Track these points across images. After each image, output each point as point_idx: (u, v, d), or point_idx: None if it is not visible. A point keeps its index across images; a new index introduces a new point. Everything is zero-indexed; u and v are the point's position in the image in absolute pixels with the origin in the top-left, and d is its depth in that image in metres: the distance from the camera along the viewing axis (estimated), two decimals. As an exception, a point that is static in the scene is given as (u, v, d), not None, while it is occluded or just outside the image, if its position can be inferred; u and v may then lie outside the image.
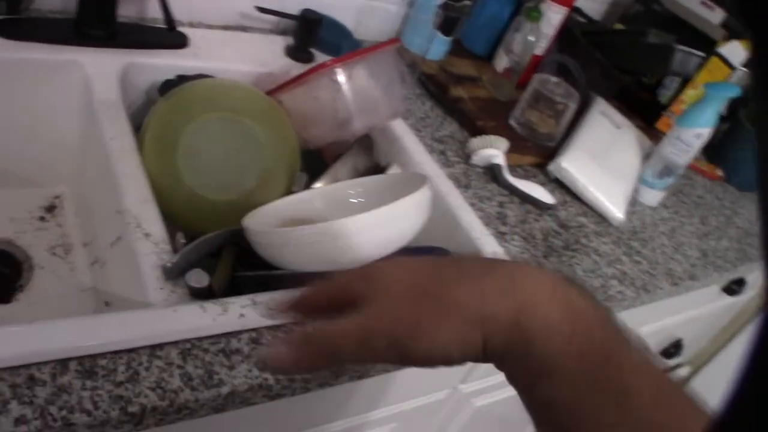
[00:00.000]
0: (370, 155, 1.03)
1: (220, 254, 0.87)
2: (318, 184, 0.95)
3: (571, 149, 1.24)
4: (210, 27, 1.17)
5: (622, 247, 1.17)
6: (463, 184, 1.10)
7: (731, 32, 1.51)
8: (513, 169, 1.21)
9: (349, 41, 1.24)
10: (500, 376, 0.45)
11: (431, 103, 1.29)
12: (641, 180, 1.34)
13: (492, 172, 1.15)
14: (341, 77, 0.95)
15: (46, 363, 0.60)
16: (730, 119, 1.64)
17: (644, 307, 1.15)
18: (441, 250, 0.95)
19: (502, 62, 1.34)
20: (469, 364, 0.72)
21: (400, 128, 1.14)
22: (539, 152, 1.26)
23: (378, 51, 1.00)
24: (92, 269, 0.92)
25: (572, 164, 1.21)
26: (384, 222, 0.76)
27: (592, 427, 0.40)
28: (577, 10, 1.63)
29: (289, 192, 0.94)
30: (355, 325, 0.43)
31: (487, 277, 0.43)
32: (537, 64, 1.43)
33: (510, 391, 0.45)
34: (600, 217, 1.22)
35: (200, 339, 0.68)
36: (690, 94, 1.55)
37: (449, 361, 0.43)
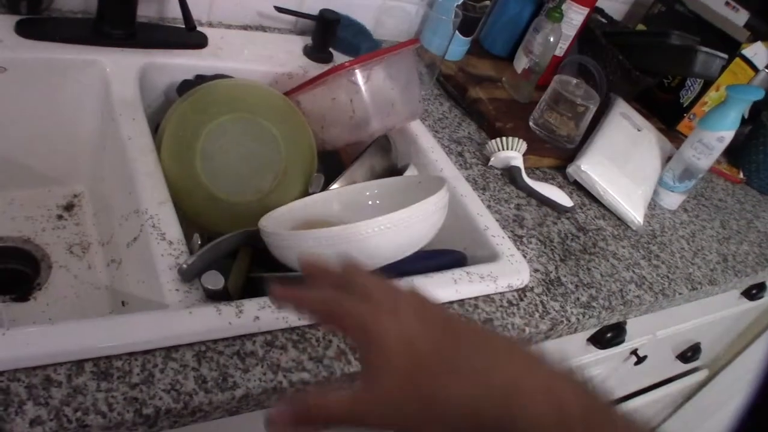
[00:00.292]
0: (387, 156, 1.03)
1: (236, 255, 0.87)
2: (335, 186, 0.95)
3: (590, 151, 1.23)
4: (229, 27, 1.18)
5: (640, 250, 1.16)
6: (480, 186, 1.10)
7: (756, 33, 1.49)
8: (531, 171, 1.20)
9: (368, 41, 1.24)
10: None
11: (450, 103, 1.29)
12: (661, 183, 1.33)
13: (510, 174, 1.14)
14: (359, 78, 0.95)
15: (62, 364, 0.60)
16: (752, 121, 1.62)
17: (662, 311, 1.14)
18: (457, 254, 0.95)
19: (521, 63, 1.33)
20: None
21: (418, 129, 1.13)
22: (558, 154, 1.26)
23: (397, 52, 1.00)
24: (109, 269, 0.93)
25: (591, 167, 1.20)
26: (400, 226, 0.75)
27: None
28: (598, 11, 1.62)
29: (305, 193, 0.94)
30: (349, 404, 0.47)
31: (485, 373, 0.46)
32: (557, 65, 1.42)
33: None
34: (619, 220, 1.21)
35: (215, 341, 0.68)
36: (712, 96, 1.53)
37: None
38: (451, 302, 0.86)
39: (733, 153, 1.61)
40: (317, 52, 1.17)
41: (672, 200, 1.34)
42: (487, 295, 0.90)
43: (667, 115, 1.59)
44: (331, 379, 0.71)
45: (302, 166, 0.94)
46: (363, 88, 0.95)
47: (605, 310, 0.99)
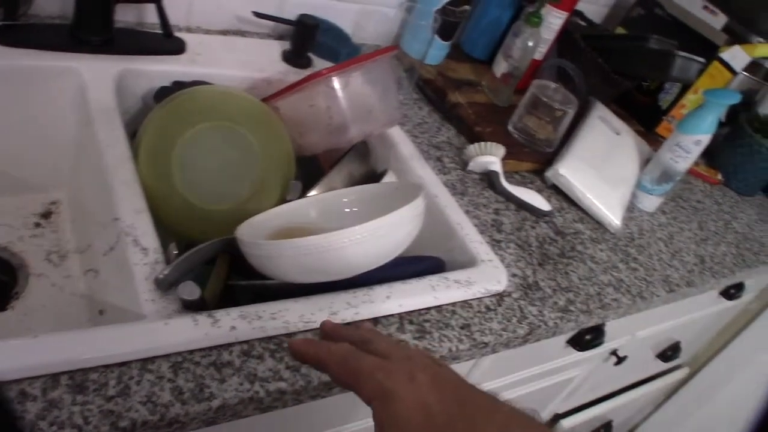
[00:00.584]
0: (366, 162, 1.03)
1: (215, 262, 0.87)
2: (313, 192, 0.95)
3: (568, 155, 1.24)
4: (208, 32, 1.18)
5: (618, 254, 1.17)
6: (459, 191, 1.11)
7: (733, 37, 1.51)
8: (510, 175, 1.21)
9: (348, 46, 1.24)
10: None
11: (429, 108, 1.29)
12: (639, 186, 1.34)
13: (488, 178, 1.15)
14: (337, 85, 0.95)
15: (37, 378, 0.60)
16: (730, 123, 1.64)
17: (641, 312, 1.15)
18: (435, 260, 0.95)
19: (500, 67, 1.34)
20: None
21: (397, 135, 1.14)
22: (537, 158, 1.26)
23: (376, 58, 1.00)
24: (87, 277, 0.92)
25: (570, 171, 1.21)
26: (376, 234, 0.76)
27: None
28: (578, 14, 1.63)
29: (283, 201, 0.94)
30: None
31: None
32: (536, 69, 1.43)
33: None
34: (597, 223, 1.22)
35: (191, 352, 0.68)
36: (691, 98, 1.54)
37: None
38: (429, 308, 0.87)
39: (712, 154, 1.63)
40: (296, 57, 1.18)
41: (650, 203, 1.35)
42: (465, 301, 0.91)
43: (646, 118, 1.61)
44: (308, 389, 0.71)
45: (280, 173, 0.94)
46: (341, 94, 0.95)
47: (583, 314, 1.00)
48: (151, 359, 0.66)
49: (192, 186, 0.88)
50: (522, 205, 1.14)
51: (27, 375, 0.60)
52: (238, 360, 0.70)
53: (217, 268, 0.87)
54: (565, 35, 1.43)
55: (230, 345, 0.71)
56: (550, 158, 1.26)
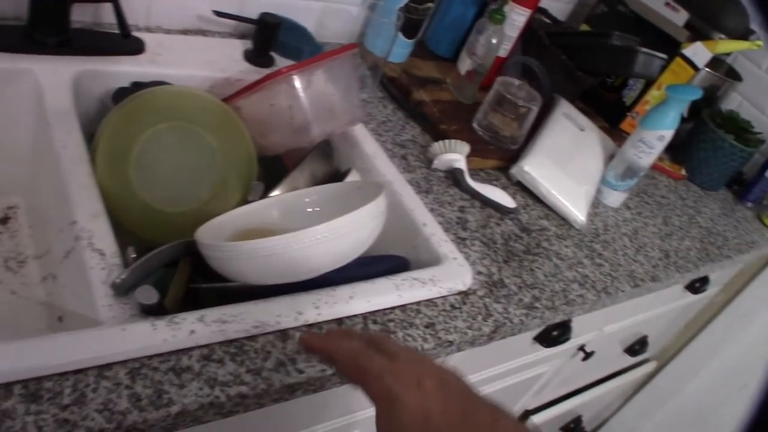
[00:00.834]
0: (329, 161, 1.02)
1: (178, 265, 0.86)
2: (276, 192, 0.94)
3: (533, 152, 1.24)
4: (168, 32, 1.16)
5: (584, 249, 1.18)
6: (423, 189, 1.10)
7: (695, 33, 1.52)
8: (475, 173, 1.21)
9: (310, 44, 1.23)
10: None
11: (393, 106, 1.29)
12: (604, 181, 1.35)
13: (453, 176, 1.15)
14: (297, 84, 0.94)
15: (-12, 387, 0.59)
16: (694, 119, 1.65)
17: (608, 307, 1.16)
18: (399, 259, 0.95)
19: (465, 65, 1.33)
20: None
21: (361, 133, 1.13)
22: (502, 155, 1.26)
23: (337, 56, 1.00)
24: (45, 283, 0.91)
25: (534, 167, 1.21)
26: (338, 234, 0.75)
27: None
28: (542, 11, 1.63)
29: (245, 201, 0.93)
30: None
31: None
32: (501, 66, 1.43)
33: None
34: (562, 220, 1.22)
35: (150, 357, 0.67)
36: (654, 94, 1.55)
37: None
38: (393, 308, 0.86)
39: (676, 150, 1.65)
40: (258, 56, 1.16)
41: (615, 198, 1.36)
42: (430, 300, 0.91)
43: (611, 114, 1.62)
44: (270, 392, 0.70)
45: (241, 174, 0.93)
46: (301, 94, 0.94)
47: (548, 311, 1.00)
48: (108, 366, 0.65)
49: (151, 188, 0.87)
50: (487, 203, 1.14)
51: (-22, 385, 0.59)
52: (197, 365, 0.69)
53: (179, 272, 0.86)
54: (529, 32, 1.43)
55: (190, 349, 0.70)
56: (515, 155, 1.26)
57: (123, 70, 1.02)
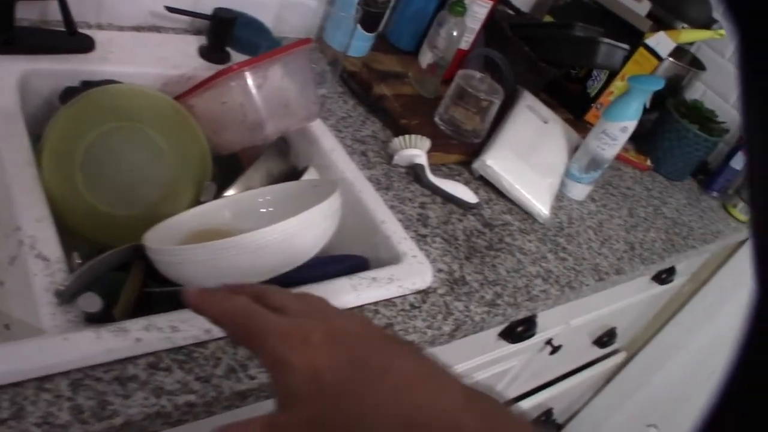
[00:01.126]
0: (285, 159, 1.00)
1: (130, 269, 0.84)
2: (230, 192, 0.92)
3: (496, 146, 1.23)
4: (121, 29, 1.13)
5: (547, 244, 1.17)
6: (384, 186, 1.08)
7: (658, 23, 1.52)
8: (438, 168, 1.19)
9: (268, 39, 1.21)
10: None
11: (354, 101, 1.27)
12: (568, 174, 1.34)
13: (414, 172, 1.13)
14: (250, 81, 0.92)
15: None
16: (658, 109, 1.65)
17: (574, 301, 1.15)
18: (357, 258, 0.93)
19: (426, 58, 1.32)
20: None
21: (319, 129, 1.11)
22: (465, 150, 1.25)
23: (291, 52, 0.97)
24: (-9, 290, 0.88)
25: (496, 161, 1.20)
26: (290, 234, 0.73)
27: None
28: (505, 2, 1.62)
29: (197, 203, 0.90)
30: (267, 428, 0.44)
31: (386, 407, 0.43)
32: (463, 59, 1.42)
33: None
34: (526, 214, 1.21)
35: (93, 367, 0.65)
36: (618, 85, 1.55)
37: None
38: (351, 309, 0.85)
39: (641, 140, 1.64)
40: (212, 52, 1.14)
41: (579, 191, 1.35)
42: (389, 299, 0.89)
43: (576, 105, 1.61)
44: (220, 399, 0.68)
45: (193, 174, 0.91)
46: (254, 91, 0.92)
47: (511, 307, 0.99)
48: (49, 377, 0.62)
49: (98, 190, 0.85)
50: (449, 198, 1.13)
51: None
52: (144, 373, 0.66)
53: (131, 276, 0.83)
54: (491, 24, 1.42)
55: (136, 358, 0.67)
56: (477, 149, 1.24)
57: (72, 68, 0.99)
